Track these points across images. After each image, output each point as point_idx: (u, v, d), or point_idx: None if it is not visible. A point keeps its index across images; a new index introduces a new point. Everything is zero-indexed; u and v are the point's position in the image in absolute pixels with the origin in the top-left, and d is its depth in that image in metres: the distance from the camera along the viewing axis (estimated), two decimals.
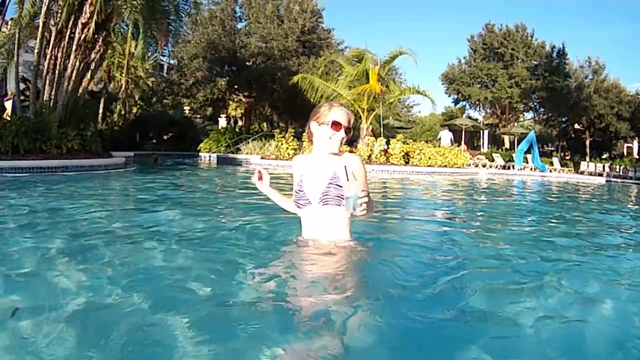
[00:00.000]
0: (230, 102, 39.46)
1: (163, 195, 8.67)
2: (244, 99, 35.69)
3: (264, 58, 31.46)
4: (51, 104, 15.34)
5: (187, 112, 40.99)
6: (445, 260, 3.75)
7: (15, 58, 15.18)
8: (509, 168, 27.30)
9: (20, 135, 13.48)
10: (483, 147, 38.37)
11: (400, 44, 42.01)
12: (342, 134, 3.07)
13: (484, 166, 27.38)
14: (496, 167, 27.49)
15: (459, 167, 22.16)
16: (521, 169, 26.29)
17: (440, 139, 29.46)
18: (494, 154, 30.12)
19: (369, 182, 4.27)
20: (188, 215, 5.67)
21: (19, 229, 4.47)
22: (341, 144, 3.11)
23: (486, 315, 2.50)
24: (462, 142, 31.90)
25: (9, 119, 14.33)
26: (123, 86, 27.91)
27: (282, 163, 19.79)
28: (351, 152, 21.46)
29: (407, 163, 21.18)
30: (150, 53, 20.74)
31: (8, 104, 16.34)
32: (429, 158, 21.44)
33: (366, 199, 2.75)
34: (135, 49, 17.70)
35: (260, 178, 3.35)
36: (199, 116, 42.94)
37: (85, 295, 2.52)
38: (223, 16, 31.78)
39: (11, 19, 15.10)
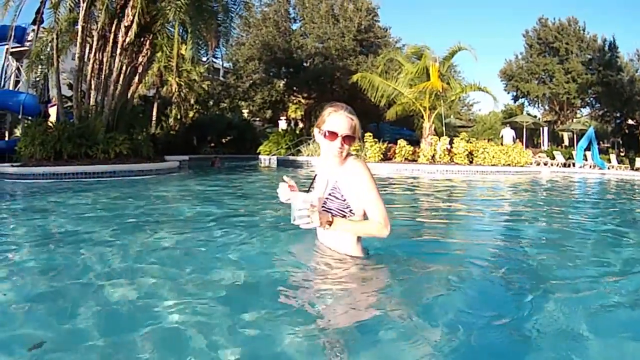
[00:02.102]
0: (290, 104, 37.30)
1: (205, 199, 7.95)
2: (303, 101, 33.74)
3: (321, 58, 29.33)
4: (97, 109, 14.06)
5: (245, 115, 39.08)
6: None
7: (55, 64, 13.84)
8: (569, 166, 24.75)
9: (64, 141, 12.49)
10: (543, 145, 35.46)
11: (459, 40, 38.66)
12: (337, 144, 2.47)
13: (545, 164, 24.77)
14: (557, 165, 24.93)
15: (522, 166, 19.61)
16: (581, 167, 23.63)
17: (502, 137, 26.74)
18: (554, 152, 27.52)
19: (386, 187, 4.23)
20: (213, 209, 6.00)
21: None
22: (340, 154, 2.50)
23: None
24: (524, 140, 28.97)
25: (51, 125, 13.17)
26: (175, 90, 26.25)
27: None
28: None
29: (471, 162, 18.95)
30: (202, 56, 19.13)
31: (52, 111, 15.22)
32: (493, 157, 19.04)
33: (306, 212, 2.31)
34: (185, 52, 16.09)
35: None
36: (258, 119, 41.14)
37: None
38: (277, 17, 29.71)
39: (51, 28, 13.73)
